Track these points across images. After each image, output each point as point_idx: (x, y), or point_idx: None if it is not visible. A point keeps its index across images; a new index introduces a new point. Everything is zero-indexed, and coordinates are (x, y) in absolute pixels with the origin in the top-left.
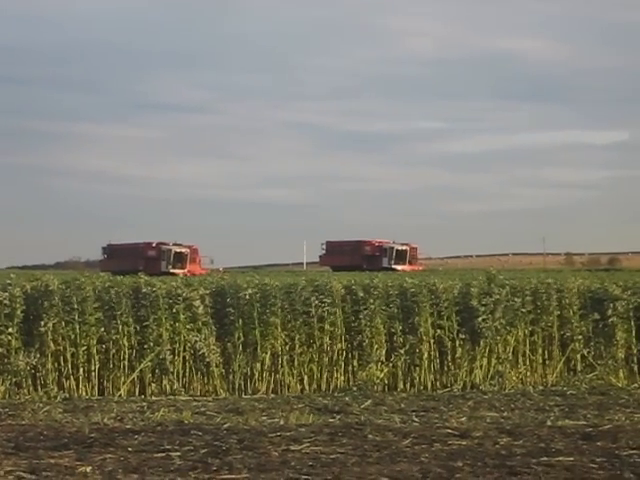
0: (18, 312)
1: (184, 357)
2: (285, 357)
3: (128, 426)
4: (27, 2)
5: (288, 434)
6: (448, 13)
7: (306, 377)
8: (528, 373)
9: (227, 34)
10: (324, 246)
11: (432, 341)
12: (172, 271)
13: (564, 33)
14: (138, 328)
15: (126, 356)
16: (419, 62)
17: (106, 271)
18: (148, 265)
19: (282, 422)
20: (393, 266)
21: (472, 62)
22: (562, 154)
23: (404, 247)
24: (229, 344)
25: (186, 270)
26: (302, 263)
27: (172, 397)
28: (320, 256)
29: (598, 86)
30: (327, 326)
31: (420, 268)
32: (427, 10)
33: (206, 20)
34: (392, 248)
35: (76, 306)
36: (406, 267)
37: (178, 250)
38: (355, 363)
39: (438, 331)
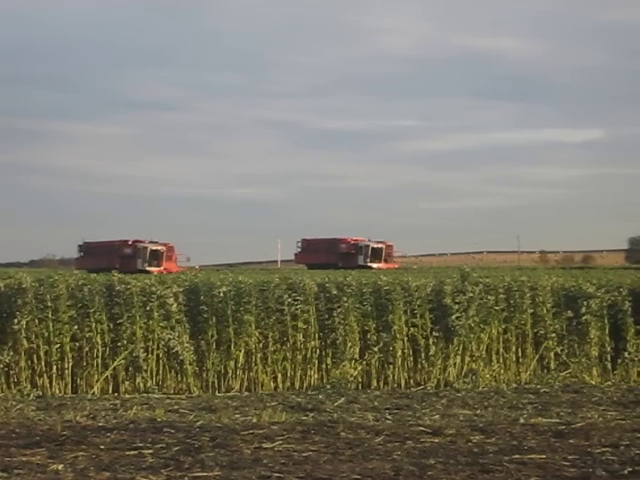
0: None
1: (158, 355)
2: (259, 355)
3: (101, 424)
4: (2, 1)
5: (261, 432)
6: (426, 12)
7: (280, 375)
8: (502, 371)
9: (203, 32)
10: (299, 244)
11: (406, 339)
12: (148, 269)
13: (542, 32)
14: (112, 326)
15: (99, 354)
16: (396, 60)
17: (82, 269)
18: (124, 263)
19: (255, 420)
20: (369, 264)
21: (450, 60)
22: (538, 152)
23: (380, 245)
24: (203, 342)
25: (162, 268)
26: (277, 261)
27: (145, 395)
28: (295, 254)
29: (575, 85)
30: (301, 324)
31: (395, 266)
32: (404, 8)
33: (182, 18)
34: (368, 246)
35: (49, 304)
36: (382, 265)
37: (154, 248)
38: (329, 361)
39: (412, 329)
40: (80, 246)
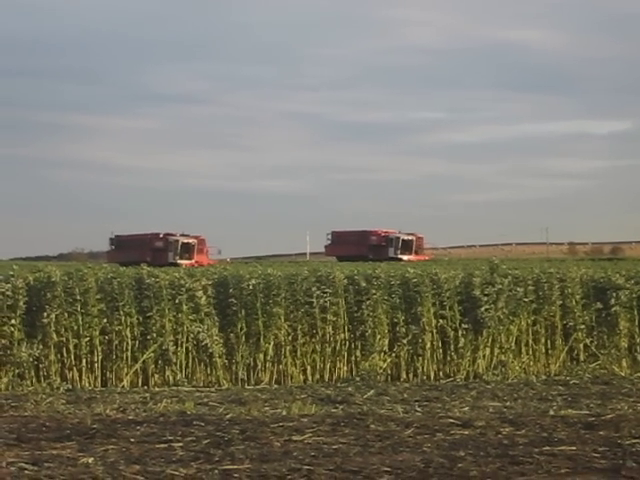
0: (21, 304)
1: (187, 348)
2: (288, 347)
3: (130, 417)
4: None
5: (290, 424)
6: (450, 3)
7: (309, 367)
8: (531, 363)
9: (229, 25)
10: (329, 236)
11: (435, 331)
12: (179, 262)
13: (566, 23)
14: (141, 319)
15: (129, 347)
16: (421, 52)
17: (113, 262)
18: (155, 256)
19: (284, 412)
20: (399, 256)
21: (474, 52)
22: (565, 144)
23: (410, 237)
24: (232, 335)
25: (194, 261)
26: (305, 253)
27: (175, 388)
28: (325, 246)
29: (600, 75)
30: (330, 316)
31: (426, 258)
32: (427, 0)
33: (210, 11)
34: (398, 238)
35: (79, 297)
36: (412, 257)
37: (185, 241)
38: (358, 353)
39: (441, 321)
40: (111, 239)
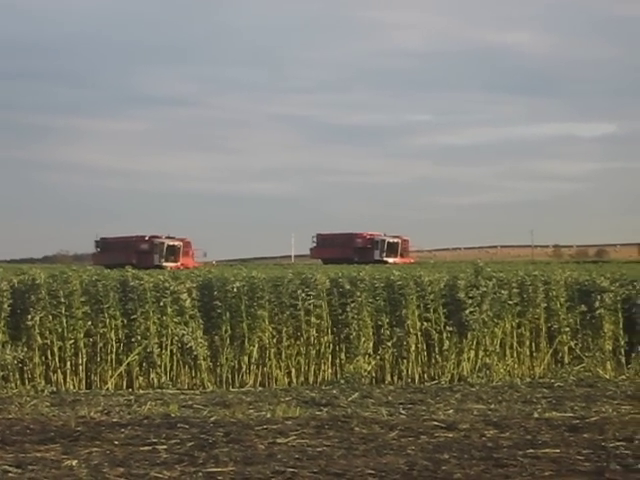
0: (5, 306)
1: (171, 350)
2: (272, 350)
3: (115, 419)
4: None
5: (275, 427)
6: (438, 6)
7: (293, 370)
8: (515, 365)
9: (218, 27)
10: (315, 239)
11: (419, 334)
12: (165, 264)
13: (556, 25)
14: (125, 322)
15: (113, 350)
16: (409, 55)
17: (99, 265)
18: (141, 259)
19: (269, 415)
20: (385, 259)
21: (465, 55)
22: (551, 147)
23: (395, 240)
24: (216, 337)
25: (179, 263)
26: (290, 256)
27: (159, 390)
28: (311, 249)
29: (591, 78)
30: (314, 319)
31: (411, 260)
32: (417, 3)
33: (198, 13)
34: (384, 241)
35: (63, 300)
36: (397, 260)
37: (171, 243)
38: (342, 356)
39: (425, 324)
40: (97, 242)
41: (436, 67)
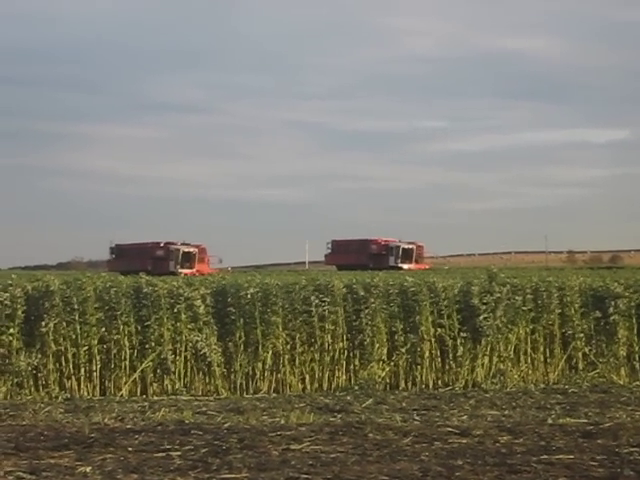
0: (19, 313)
1: (185, 357)
2: (286, 356)
3: (129, 426)
4: (27, 2)
5: (288, 433)
6: (449, 12)
7: (307, 376)
8: (530, 371)
9: (229, 34)
10: (329, 245)
11: (433, 340)
12: (180, 271)
13: (565, 31)
14: (139, 328)
15: (127, 356)
16: (420, 61)
17: (114, 271)
18: (156, 265)
19: (283, 421)
20: (400, 265)
21: (473, 61)
22: (564, 152)
23: (410, 246)
24: (230, 344)
25: (194, 270)
26: (304, 262)
27: (174, 397)
28: (326, 255)
29: (599, 84)
30: (328, 325)
31: (426, 267)
32: (428, 9)
33: (208, 20)
34: (398, 247)
35: (77, 306)
36: (412, 266)
37: (186, 250)
38: (356, 362)
39: (439, 330)
40: (111, 248)
41: (447, 73)
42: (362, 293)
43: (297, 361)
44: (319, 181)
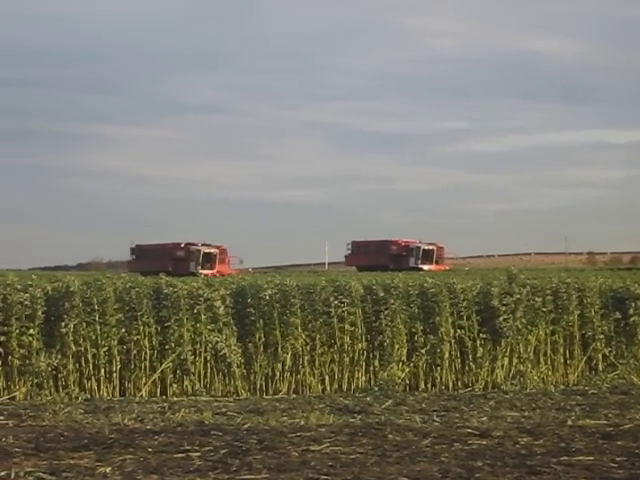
0: (39, 313)
1: (205, 358)
2: (306, 357)
3: (148, 427)
4: (47, 3)
5: (308, 434)
6: (469, 13)
7: (327, 377)
8: (549, 372)
9: (249, 35)
10: (349, 246)
11: (453, 341)
12: (201, 272)
13: (585, 32)
14: (159, 329)
15: (147, 357)
16: (441, 62)
17: (134, 272)
18: (177, 266)
19: (302, 422)
20: (420, 266)
21: (494, 62)
22: (584, 154)
23: (431, 247)
24: (250, 344)
25: (215, 271)
26: (324, 263)
27: (193, 398)
28: (346, 256)
29: (619, 85)
30: (347, 326)
31: (447, 268)
32: (448, 10)
33: (228, 21)
34: (419, 248)
35: (97, 307)
36: (433, 267)
37: (207, 251)
38: (376, 363)
39: (459, 331)
40: (132, 249)
41: (467, 74)
42: (382, 294)
43: (317, 362)
44: (340, 182)
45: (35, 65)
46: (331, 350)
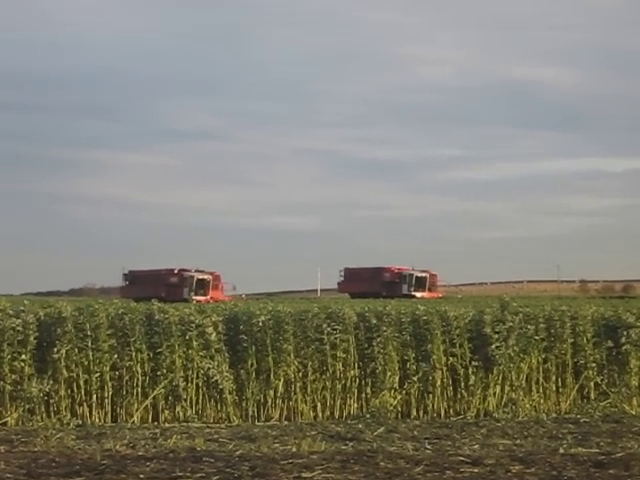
0: (31, 339)
1: (197, 384)
2: (298, 384)
3: (140, 453)
4: (41, 28)
5: (300, 461)
6: (465, 41)
7: (319, 404)
8: (541, 401)
9: (243, 62)
10: (342, 273)
11: (445, 368)
12: (194, 298)
13: (580, 61)
14: (151, 355)
15: (139, 383)
16: (435, 89)
17: (127, 298)
18: (170, 292)
19: (294, 449)
20: (413, 293)
21: (488, 89)
22: (577, 182)
23: (424, 274)
24: (242, 371)
25: (209, 297)
26: (317, 290)
27: (185, 424)
28: (338, 283)
29: (615, 113)
30: (340, 353)
31: (439, 295)
32: (444, 38)
33: (224, 48)
34: (412, 275)
35: (89, 333)
36: (425, 294)
37: (200, 277)
38: (368, 390)
39: (451, 358)
40: (125, 275)
41: (461, 102)
42: (374, 321)
43: (309, 389)
44: (334, 209)
45: (31, 90)
46: (323, 377)
